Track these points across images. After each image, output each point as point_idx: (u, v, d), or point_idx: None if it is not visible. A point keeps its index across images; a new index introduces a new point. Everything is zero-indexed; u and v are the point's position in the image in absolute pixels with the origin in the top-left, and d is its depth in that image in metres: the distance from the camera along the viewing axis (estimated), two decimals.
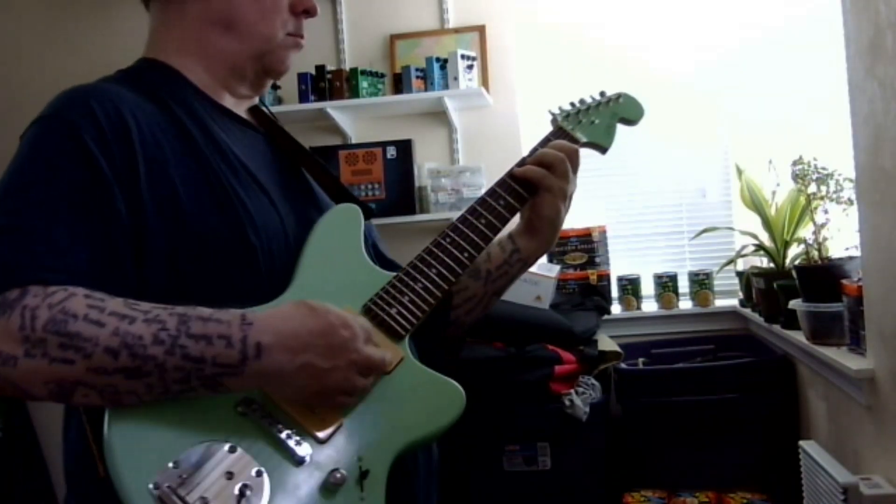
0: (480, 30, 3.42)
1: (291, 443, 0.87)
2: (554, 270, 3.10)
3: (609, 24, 3.39)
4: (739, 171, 2.93)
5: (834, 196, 2.33)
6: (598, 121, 1.27)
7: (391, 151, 3.37)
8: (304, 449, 0.87)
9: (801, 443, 2.27)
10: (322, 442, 0.89)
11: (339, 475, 0.87)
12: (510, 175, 1.18)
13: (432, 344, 1.18)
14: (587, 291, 3.28)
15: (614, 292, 3.37)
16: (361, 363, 0.91)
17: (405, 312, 1.02)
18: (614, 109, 1.30)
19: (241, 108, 1.15)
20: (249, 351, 0.85)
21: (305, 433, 0.89)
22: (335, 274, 1.04)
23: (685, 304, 3.33)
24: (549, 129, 1.27)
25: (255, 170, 1.05)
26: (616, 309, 3.34)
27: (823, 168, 2.37)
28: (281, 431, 0.87)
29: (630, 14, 3.38)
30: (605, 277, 3.33)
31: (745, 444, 2.73)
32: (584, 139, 1.24)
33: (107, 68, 1.12)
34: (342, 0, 3.50)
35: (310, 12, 1.13)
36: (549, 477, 2.78)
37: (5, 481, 3.20)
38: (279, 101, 3.42)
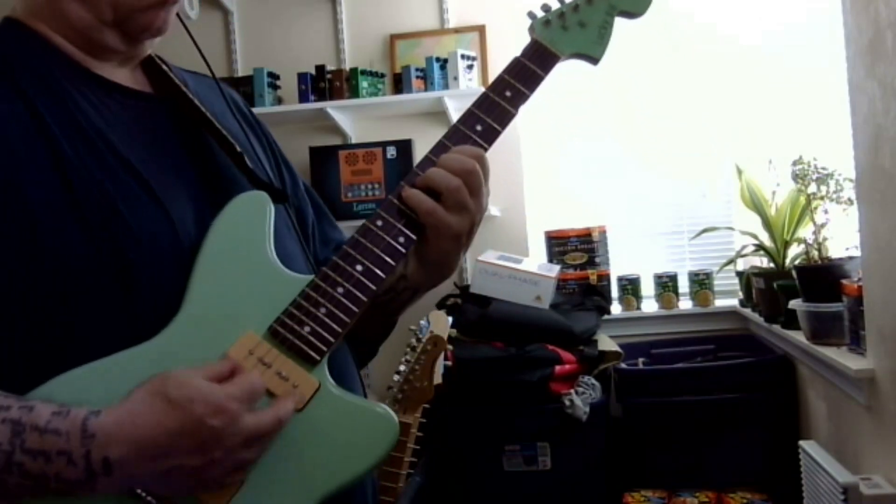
0: (480, 30, 3.42)
1: None
2: (554, 270, 3.10)
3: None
4: (739, 171, 2.93)
5: (834, 196, 2.33)
6: (587, 20, 1.02)
7: (391, 151, 3.37)
8: None
9: (801, 443, 2.27)
10: None
11: None
12: (399, 197, 0.91)
13: None
14: (587, 291, 3.28)
15: (614, 292, 3.37)
16: (246, 440, 0.76)
17: (321, 331, 0.84)
18: (611, 1, 1.04)
19: (125, 69, 0.95)
20: (96, 467, 0.72)
21: None
22: (235, 288, 0.85)
23: (685, 304, 3.33)
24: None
25: (138, 161, 0.87)
26: (616, 309, 3.34)
27: (823, 168, 2.37)
28: None
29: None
30: (605, 277, 3.33)
31: (745, 444, 2.73)
32: (566, 51, 1.01)
33: None
34: (342, 0, 3.51)
35: None
36: (549, 477, 2.78)
37: None
38: (279, 101, 3.42)
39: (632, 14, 1.05)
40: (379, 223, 0.90)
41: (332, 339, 0.85)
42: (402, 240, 0.89)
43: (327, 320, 0.85)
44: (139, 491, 0.76)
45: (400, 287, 1.02)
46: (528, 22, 1.03)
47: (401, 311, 1.07)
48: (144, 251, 0.83)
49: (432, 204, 0.90)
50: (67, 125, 0.84)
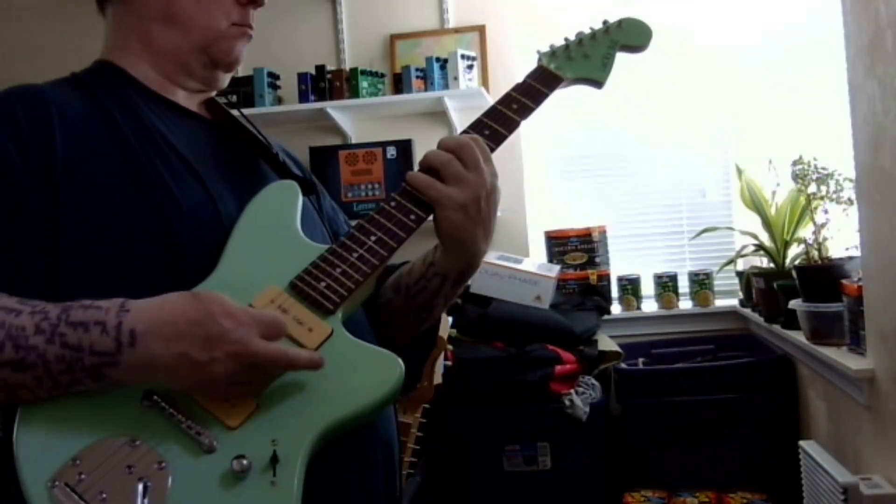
0: (480, 30, 3.42)
1: (195, 432, 0.84)
2: (554, 270, 3.10)
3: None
4: (739, 171, 2.94)
5: (834, 196, 2.33)
6: (592, 53, 1.15)
7: (391, 151, 3.37)
8: (210, 438, 0.84)
9: (801, 443, 2.27)
10: (233, 429, 0.86)
11: (244, 462, 0.83)
12: (406, 181, 1.03)
13: None
14: (587, 291, 3.28)
15: (614, 292, 3.37)
16: (246, 357, 0.84)
17: (335, 285, 0.95)
18: (614, 37, 1.17)
19: (192, 102, 1.12)
20: (123, 338, 0.83)
21: (215, 421, 0.86)
22: (264, 253, 0.98)
23: (685, 304, 3.33)
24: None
25: (192, 158, 1.02)
26: (616, 309, 3.34)
27: (823, 168, 2.37)
28: (185, 422, 0.84)
29: (629, 14, 3.38)
30: (605, 277, 3.34)
31: (745, 444, 2.73)
32: (570, 75, 1.12)
33: None
34: (342, 0, 3.51)
35: (256, 1, 1.08)
36: (549, 477, 2.79)
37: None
38: (279, 100, 3.42)
39: (634, 48, 1.17)
40: (392, 204, 1.01)
41: (345, 293, 0.95)
42: (412, 216, 1.00)
43: (342, 278, 0.96)
44: (156, 398, 0.85)
45: (429, 274, 1.10)
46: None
47: (432, 305, 1.13)
48: (187, 221, 0.96)
49: (429, 179, 1.00)
50: (132, 123, 1.00)
